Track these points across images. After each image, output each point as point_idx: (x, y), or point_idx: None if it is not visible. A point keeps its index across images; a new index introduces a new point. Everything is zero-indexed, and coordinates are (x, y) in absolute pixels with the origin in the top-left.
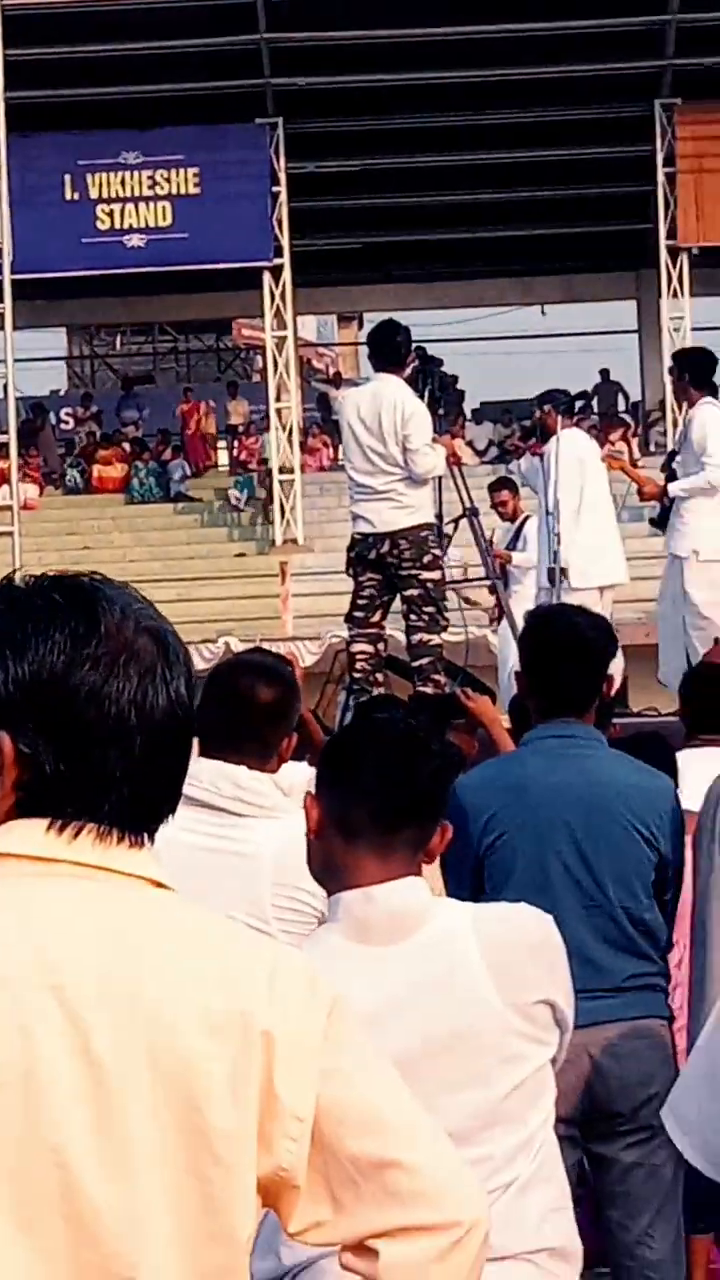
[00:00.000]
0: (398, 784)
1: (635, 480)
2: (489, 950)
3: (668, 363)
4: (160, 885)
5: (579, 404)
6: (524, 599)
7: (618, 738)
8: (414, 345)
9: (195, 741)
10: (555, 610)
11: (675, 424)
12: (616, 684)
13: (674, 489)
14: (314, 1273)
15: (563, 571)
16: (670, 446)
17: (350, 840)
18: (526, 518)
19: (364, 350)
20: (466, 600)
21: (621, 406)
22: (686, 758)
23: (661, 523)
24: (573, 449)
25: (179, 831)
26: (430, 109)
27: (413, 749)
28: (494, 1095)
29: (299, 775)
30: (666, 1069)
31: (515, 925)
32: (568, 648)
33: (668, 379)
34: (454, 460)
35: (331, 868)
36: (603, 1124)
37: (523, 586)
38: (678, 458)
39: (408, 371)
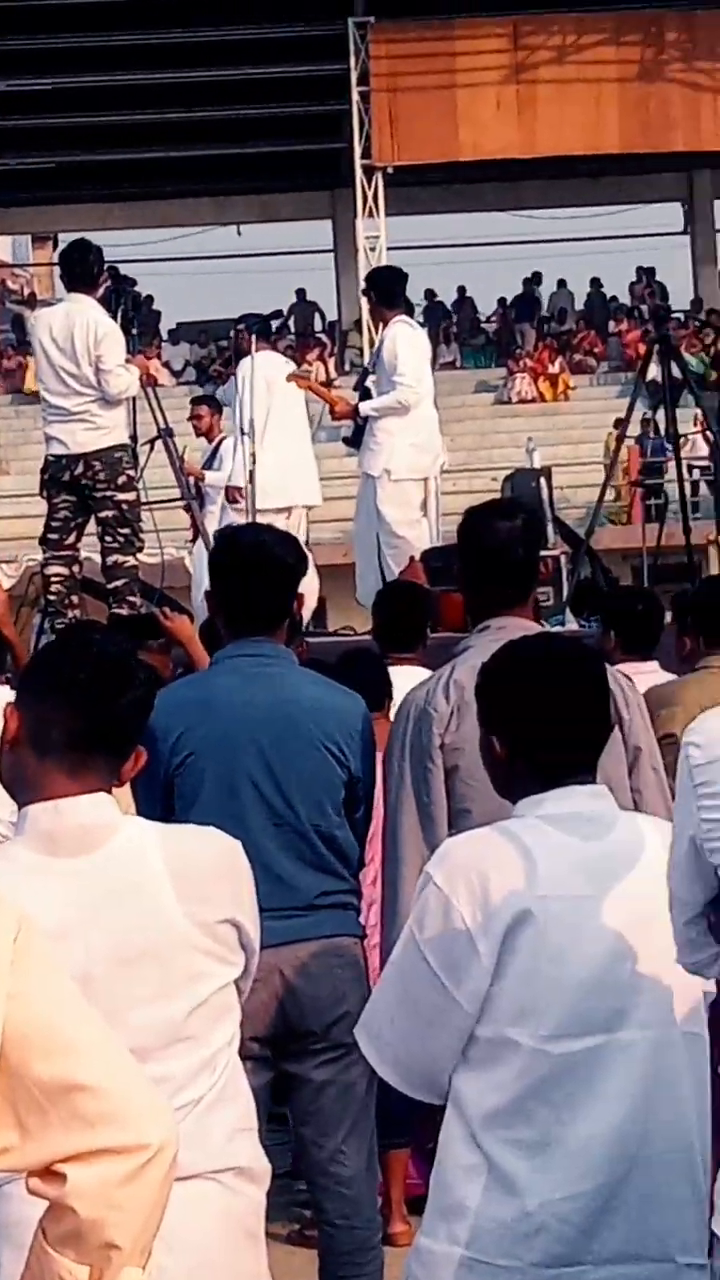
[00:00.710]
0: (100, 709)
1: (326, 400)
2: (175, 867)
3: (363, 283)
4: None
5: (275, 324)
6: (219, 518)
7: (308, 658)
8: (107, 265)
9: None
10: (243, 529)
11: (371, 343)
12: (310, 603)
13: (365, 408)
14: None
15: (238, 490)
16: (365, 365)
17: (44, 756)
18: (224, 437)
19: (58, 271)
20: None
21: (318, 326)
22: None
23: (355, 442)
24: (262, 370)
25: None
26: (124, 26)
27: (120, 676)
28: (177, 1012)
29: None
30: (359, 986)
31: (201, 845)
32: (256, 566)
33: (363, 299)
34: (148, 381)
35: (22, 780)
36: (295, 1043)
37: (217, 506)
38: (371, 376)
39: (100, 292)
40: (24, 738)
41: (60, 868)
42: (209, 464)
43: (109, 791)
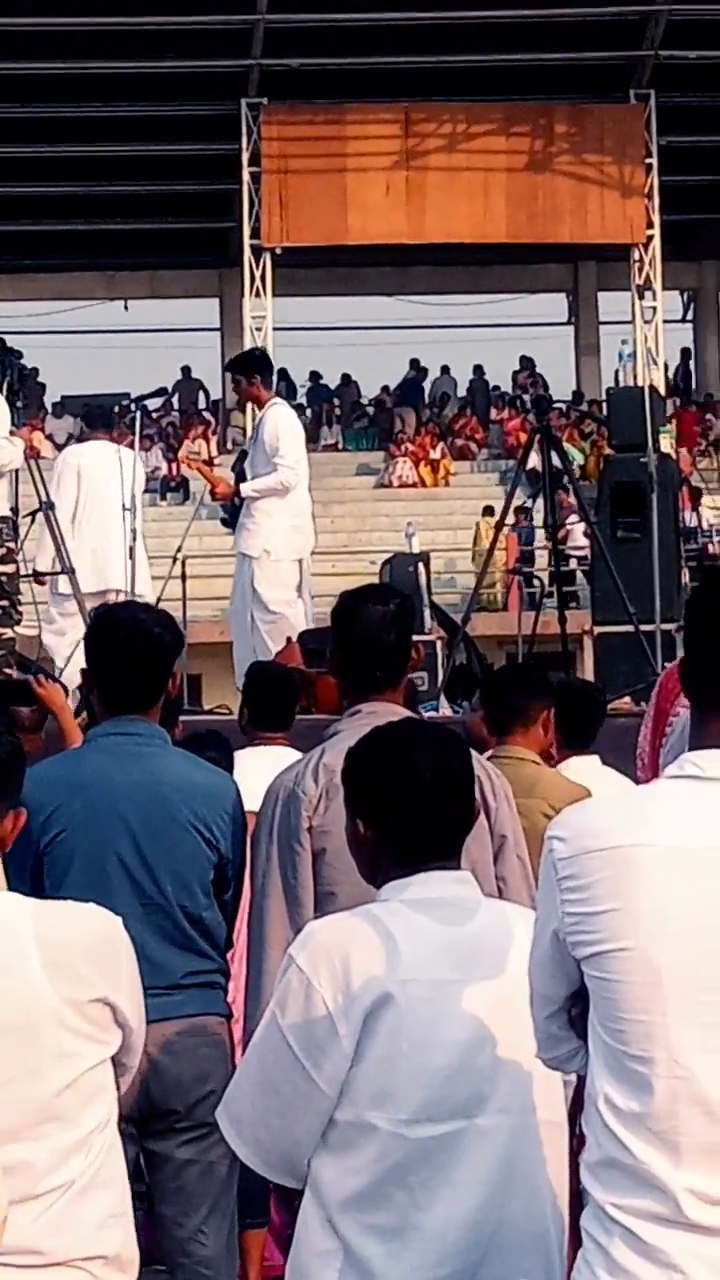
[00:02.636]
0: None
1: (209, 480)
2: (45, 946)
3: (230, 365)
4: None
5: (159, 401)
6: None
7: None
8: None
9: None
10: (120, 607)
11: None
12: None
13: (246, 489)
14: None
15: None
16: (244, 447)
17: None
18: None
19: None
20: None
21: (202, 404)
22: (246, 756)
23: (231, 523)
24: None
25: None
26: (16, 99)
27: None
28: (46, 1091)
29: None
30: (223, 1066)
31: (75, 923)
32: (132, 645)
33: (230, 378)
34: (31, 453)
35: None
36: (158, 1121)
37: None
38: (248, 457)
39: None
40: None
41: None
42: None
43: None
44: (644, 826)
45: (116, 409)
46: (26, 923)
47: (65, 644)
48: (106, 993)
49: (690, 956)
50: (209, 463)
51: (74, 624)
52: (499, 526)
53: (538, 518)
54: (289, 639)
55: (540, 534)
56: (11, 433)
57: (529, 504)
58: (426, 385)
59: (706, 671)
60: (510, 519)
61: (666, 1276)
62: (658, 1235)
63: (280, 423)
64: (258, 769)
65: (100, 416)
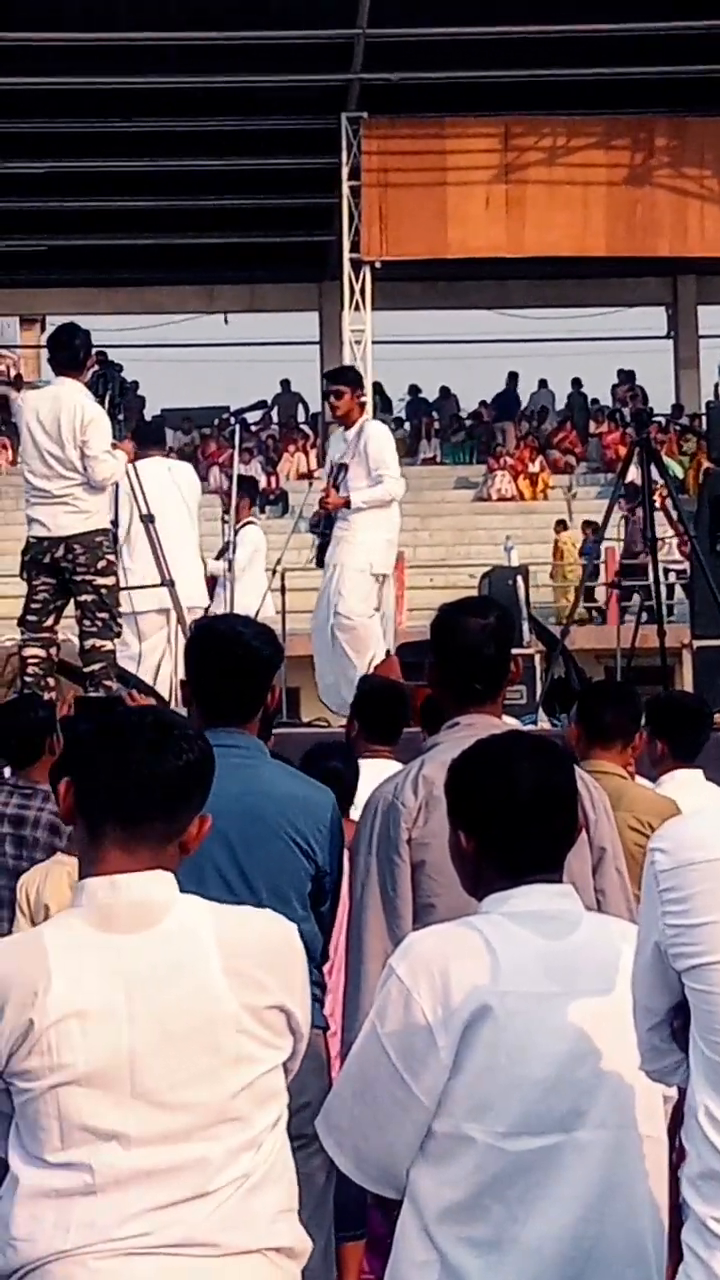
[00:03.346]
0: (136, 777)
1: (326, 490)
2: (226, 950)
3: (332, 379)
4: None
5: (258, 414)
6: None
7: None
8: (94, 350)
9: None
10: (220, 619)
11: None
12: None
13: (357, 499)
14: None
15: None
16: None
17: (94, 830)
18: (248, 522)
19: (45, 353)
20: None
21: (301, 417)
22: None
23: (323, 533)
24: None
25: None
26: (119, 113)
27: (167, 744)
28: (223, 1093)
29: None
30: (320, 1078)
31: (254, 929)
32: (231, 657)
33: (330, 391)
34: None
35: (83, 855)
36: None
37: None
38: (346, 471)
39: (87, 376)
40: (76, 813)
41: (112, 943)
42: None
43: (170, 865)
44: None
45: (217, 422)
46: (208, 927)
47: (144, 670)
48: (283, 999)
49: None
50: (307, 476)
51: (150, 647)
52: (598, 541)
53: (609, 531)
54: (389, 652)
55: (604, 547)
56: (113, 446)
57: (624, 516)
58: (523, 398)
59: None
60: (580, 534)
61: None
62: None
63: (383, 438)
64: (365, 781)
65: (151, 433)
